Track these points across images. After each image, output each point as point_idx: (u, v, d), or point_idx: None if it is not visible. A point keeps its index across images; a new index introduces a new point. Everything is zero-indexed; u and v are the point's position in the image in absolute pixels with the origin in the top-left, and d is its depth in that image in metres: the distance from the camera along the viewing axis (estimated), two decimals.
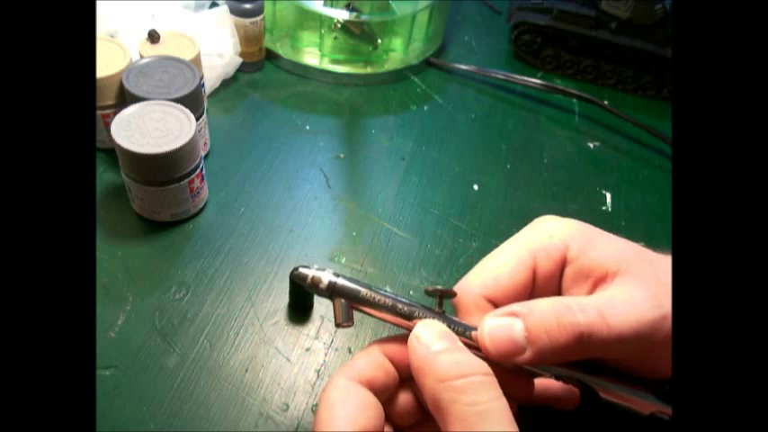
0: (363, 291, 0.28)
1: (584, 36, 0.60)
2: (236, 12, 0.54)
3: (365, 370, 0.27)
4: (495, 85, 0.62)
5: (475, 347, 0.26)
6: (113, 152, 0.40)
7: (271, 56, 0.60)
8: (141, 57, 0.45)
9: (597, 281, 0.27)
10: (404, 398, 0.28)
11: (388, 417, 0.27)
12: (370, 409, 0.26)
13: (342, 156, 0.51)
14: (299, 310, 0.40)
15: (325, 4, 0.58)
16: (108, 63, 0.43)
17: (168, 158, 0.39)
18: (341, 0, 0.58)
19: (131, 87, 0.41)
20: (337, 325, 0.28)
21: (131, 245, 0.42)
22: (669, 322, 0.25)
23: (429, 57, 0.63)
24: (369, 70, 0.60)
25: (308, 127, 0.54)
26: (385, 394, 0.27)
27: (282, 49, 0.59)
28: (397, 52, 0.61)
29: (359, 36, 0.58)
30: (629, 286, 0.26)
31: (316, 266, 0.28)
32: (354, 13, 0.57)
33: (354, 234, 0.45)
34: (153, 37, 0.46)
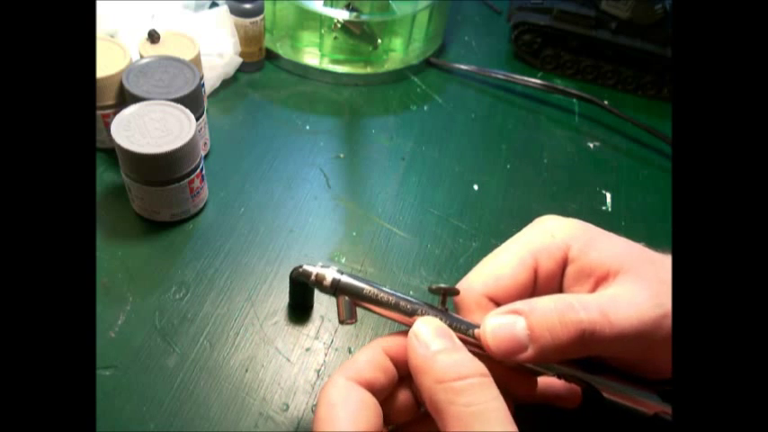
0: (367, 288, 0.28)
1: (585, 36, 0.61)
2: (236, 12, 0.54)
3: (365, 370, 0.27)
4: (495, 85, 0.62)
5: (477, 345, 0.26)
6: (113, 152, 0.40)
7: (271, 56, 0.60)
8: (141, 57, 0.45)
9: (599, 280, 0.27)
10: (403, 395, 0.28)
11: (387, 414, 0.27)
12: (369, 409, 0.26)
13: (342, 156, 0.51)
14: (299, 310, 0.40)
15: (325, 4, 0.58)
16: (108, 63, 0.43)
17: (168, 158, 0.39)
18: (341, 0, 0.58)
19: (131, 87, 0.41)
20: (341, 322, 0.28)
21: (131, 245, 0.42)
22: (670, 321, 0.25)
23: (429, 57, 0.63)
24: (369, 70, 0.60)
25: (308, 127, 0.54)
26: (383, 394, 0.27)
27: (282, 49, 0.59)
28: (397, 52, 0.61)
29: (359, 36, 0.58)
30: (631, 285, 0.26)
31: (320, 264, 0.28)
32: (354, 13, 0.57)
33: (354, 234, 0.45)
34: (153, 37, 0.46)
